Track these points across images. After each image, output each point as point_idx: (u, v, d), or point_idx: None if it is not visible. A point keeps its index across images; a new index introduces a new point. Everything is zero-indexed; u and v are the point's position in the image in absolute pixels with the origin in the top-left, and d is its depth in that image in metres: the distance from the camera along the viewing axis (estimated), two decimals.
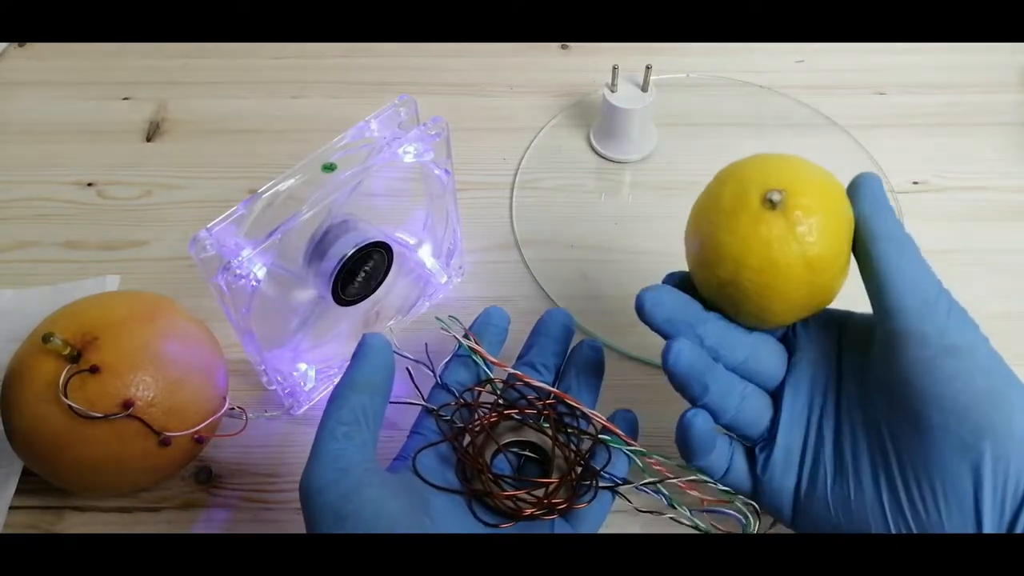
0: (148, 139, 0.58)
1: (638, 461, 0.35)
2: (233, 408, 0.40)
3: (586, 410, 0.35)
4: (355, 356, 0.33)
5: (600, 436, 0.35)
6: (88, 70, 0.63)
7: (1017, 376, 0.30)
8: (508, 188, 0.55)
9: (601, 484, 0.34)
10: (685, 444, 0.33)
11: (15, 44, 0.64)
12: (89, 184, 0.55)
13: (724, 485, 0.34)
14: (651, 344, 0.47)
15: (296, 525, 0.40)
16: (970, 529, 0.28)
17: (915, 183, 0.55)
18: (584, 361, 0.38)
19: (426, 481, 0.33)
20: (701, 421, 0.33)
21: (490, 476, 0.33)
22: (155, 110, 0.60)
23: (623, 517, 0.35)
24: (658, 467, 0.34)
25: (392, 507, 0.29)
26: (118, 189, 0.55)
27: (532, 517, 0.33)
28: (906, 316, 0.30)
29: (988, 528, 0.28)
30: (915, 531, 0.29)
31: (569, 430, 0.35)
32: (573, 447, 0.35)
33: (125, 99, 0.61)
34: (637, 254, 0.51)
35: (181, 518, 0.41)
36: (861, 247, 0.32)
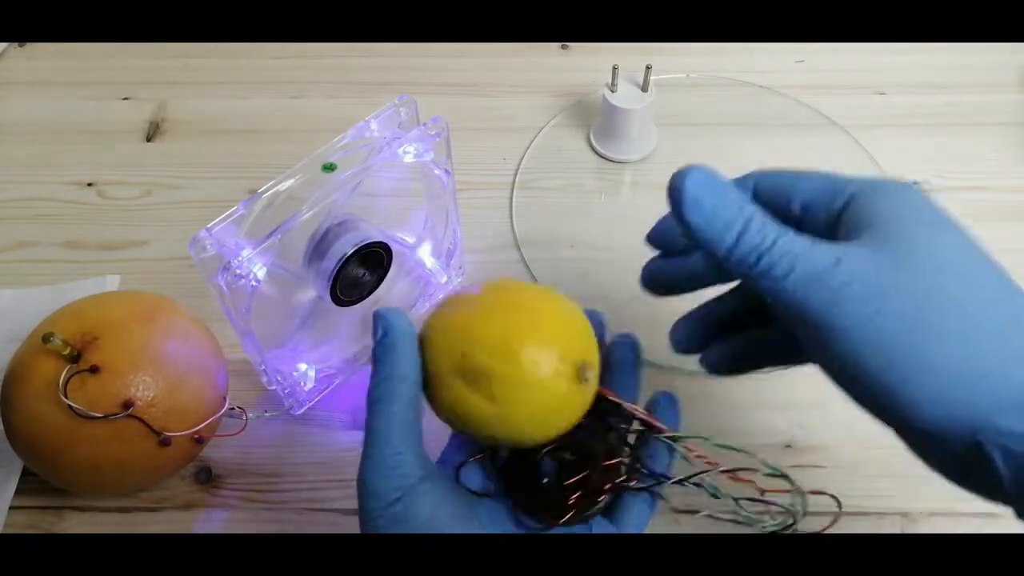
0: (148, 139, 0.58)
1: (680, 449, 0.33)
2: (233, 408, 0.40)
3: (627, 405, 0.34)
4: (386, 345, 0.31)
5: (641, 430, 0.34)
6: (88, 70, 0.63)
7: None
8: (508, 188, 0.55)
9: (639, 486, 0.33)
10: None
11: (15, 44, 0.64)
12: (89, 184, 0.55)
13: None
14: (654, 344, 0.47)
15: (295, 525, 0.41)
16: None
17: (915, 183, 0.55)
18: (620, 360, 0.36)
19: (474, 492, 0.32)
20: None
21: (533, 479, 0.33)
22: (155, 110, 0.60)
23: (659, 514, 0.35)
24: (698, 456, 0.32)
25: (445, 512, 0.29)
26: (118, 189, 0.55)
27: (577, 505, 0.32)
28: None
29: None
30: None
31: (611, 429, 0.34)
32: (615, 440, 0.34)
33: (125, 99, 0.61)
34: (637, 254, 0.51)
35: (181, 518, 0.41)
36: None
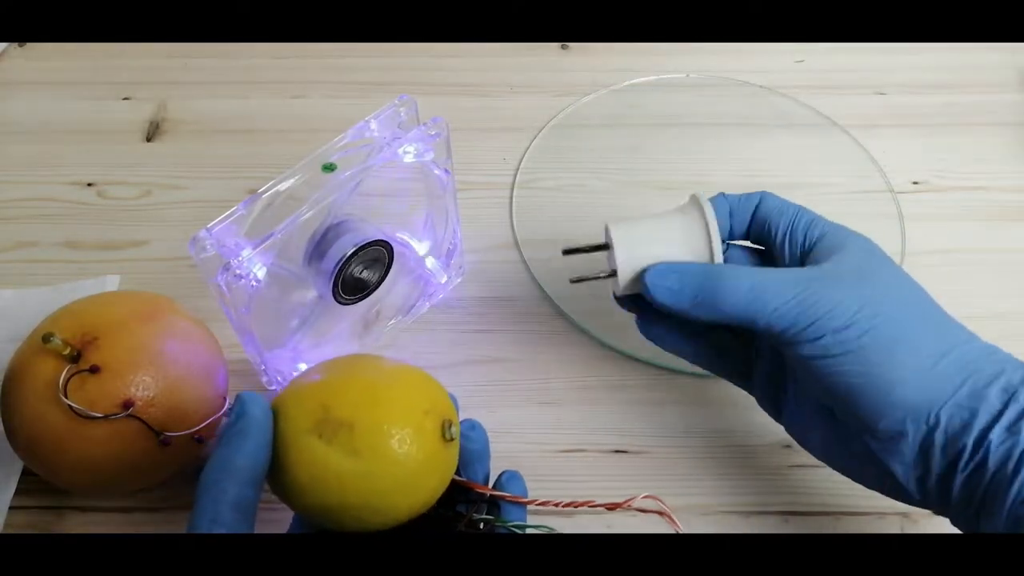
0: (148, 139, 0.58)
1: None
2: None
3: (479, 488, 0.34)
4: (235, 430, 0.29)
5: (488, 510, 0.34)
6: (88, 70, 0.63)
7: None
8: (508, 188, 0.55)
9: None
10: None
11: (15, 44, 0.64)
12: (89, 184, 0.55)
13: None
14: (651, 344, 0.47)
15: None
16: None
17: (915, 183, 0.55)
18: (470, 449, 0.35)
19: None
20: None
21: None
22: (155, 110, 0.60)
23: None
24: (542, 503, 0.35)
25: None
26: (118, 189, 0.55)
27: None
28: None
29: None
30: None
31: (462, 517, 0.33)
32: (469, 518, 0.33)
33: (125, 99, 0.61)
34: None
35: (181, 518, 0.41)
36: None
